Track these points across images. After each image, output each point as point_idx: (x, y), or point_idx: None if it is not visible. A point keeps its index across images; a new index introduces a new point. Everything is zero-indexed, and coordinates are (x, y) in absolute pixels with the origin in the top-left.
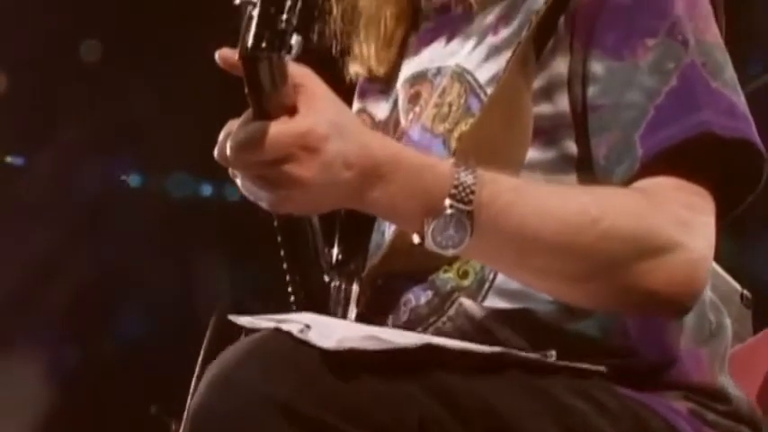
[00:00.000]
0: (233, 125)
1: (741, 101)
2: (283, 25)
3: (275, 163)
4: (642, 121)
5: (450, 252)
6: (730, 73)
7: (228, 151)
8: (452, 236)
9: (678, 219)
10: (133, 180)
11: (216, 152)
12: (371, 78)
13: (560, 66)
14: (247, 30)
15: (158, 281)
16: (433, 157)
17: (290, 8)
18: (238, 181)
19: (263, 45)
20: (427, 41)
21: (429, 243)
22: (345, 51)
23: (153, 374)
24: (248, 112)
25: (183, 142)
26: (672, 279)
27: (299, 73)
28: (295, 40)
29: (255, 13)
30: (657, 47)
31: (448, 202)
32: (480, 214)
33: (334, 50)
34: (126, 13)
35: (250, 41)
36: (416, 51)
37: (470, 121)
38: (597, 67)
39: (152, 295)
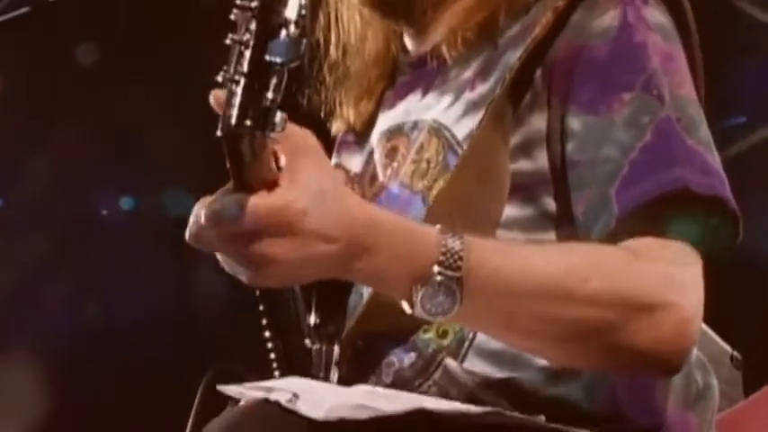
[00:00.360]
0: (206, 201)
1: (715, 159)
2: (268, 103)
3: (249, 238)
4: (617, 177)
5: (439, 319)
6: (705, 130)
7: (202, 220)
8: (442, 302)
9: (666, 277)
10: (126, 203)
11: (189, 228)
12: (347, 131)
13: (538, 122)
14: (230, 105)
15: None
16: (418, 224)
17: (276, 86)
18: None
19: (248, 123)
20: (403, 94)
21: (419, 311)
22: (331, 112)
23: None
24: (226, 187)
25: (176, 159)
26: (661, 338)
27: (289, 143)
28: (279, 117)
29: (239, 89)
30: (633, 101)
31: (436, 269)
32: (469, 280)
33: (322, 113)
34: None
35: (234, 119)
36: (392, 104)
37: (449, 177)
38: (574, 122)
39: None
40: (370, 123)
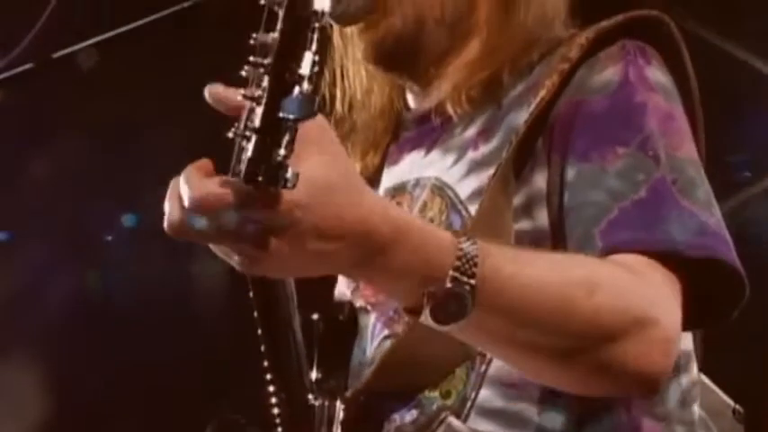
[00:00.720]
0: (183, 184)
1: (713, 219)
2: (280, 158)
3: (242, 226)
4: (603, 218)
5: (447, 327)
6: (704, 190)
7: (190, 207)
8: (453, 311)
9: (655, 296)
10: (128, 220)
11: (169, 216)
12: None
13: (539, 181)
14: (239, 160)
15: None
16: (433, 226)
17: (288, 143)
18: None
19: (259, 179)
20: (406, 151)
21: (426, 318)
22: None
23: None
24: (198, 163)
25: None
26: (650, 353)
27: (303, 129)
28: (291, 173)
29: (250, 145)
30: (628, 156)
31: (451, 274)
32: (482, 288)
33: None
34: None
35: (243, 174)
36: (396, 160)
37: None
38: (570, 173)
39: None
40: (376, 177)
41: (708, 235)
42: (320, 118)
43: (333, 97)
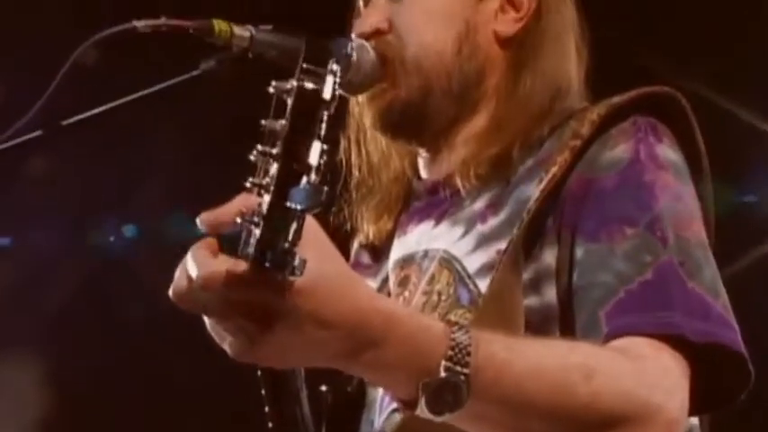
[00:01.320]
0: (195, 259)
1: (719, 301)
2: (287, 246)
3: (243, 308)
4: (610, 300)
5: (443, 418)
6: (710, 271)
7: (198, 281)
8: (448, 400)
9: (657, 380)
10: (129, 231)
11: (175, 284)
12: (362, 250)
13: (548, 257)
14: (247, 244)
15: None
16: (424, 316)
17: (296, 231)
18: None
19: (267, 265)
20: (416, 221)
21: (423, 410)
22: (355, 229)
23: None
24: (204, 241)
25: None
26: None
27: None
28: (299, 260)
29: (257, 230)
30: (635, 237)
31: (444, 364)
32: (477, 377)
33: (346, 227)
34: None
35: (251, 259)
36: (405, 231)
37: (460, 312)
38: (579, 252)
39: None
40: (387, 244)
41: (713, 319)
42: (315, 225)
43: (350, 161)
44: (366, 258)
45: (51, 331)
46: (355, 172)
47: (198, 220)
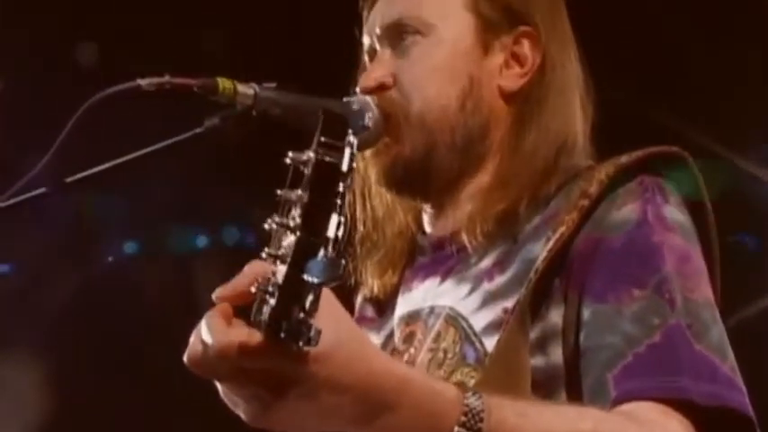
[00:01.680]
0: (210, 326)
1: (726, 363)
2: (302, 316)
3: (258, 376)
4: (618, 363)
5: None
6: (718, 333)
7: (212, 350)
8: None
9: None
10: (129, 247)
11: (190, 350)
12: (367, 304)
13: (555, 316)
14: (260, 312)
15: None
16: (437, 380)
17: (312, 303)
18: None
19: (282, 335)
20: (422, 277)
21: None
22: (359, 283)
23: None
24: (217, 308)
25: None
26: None
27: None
28: (314, 331)
29: (272, 300)
30: (643, 299)
31: (457, 430)
32: None
33: (350, 282)
34: None
35: (265, 328)
36: (410, 287)
37: (466, 370)
38: (586, 312)
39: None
40: (392, 299)
41: (720, 382)
42: (332, 304)
43: (354, 216)
44: (370, 312)
45: (51, 333)
46: (360, 226)
47: (214, 295)
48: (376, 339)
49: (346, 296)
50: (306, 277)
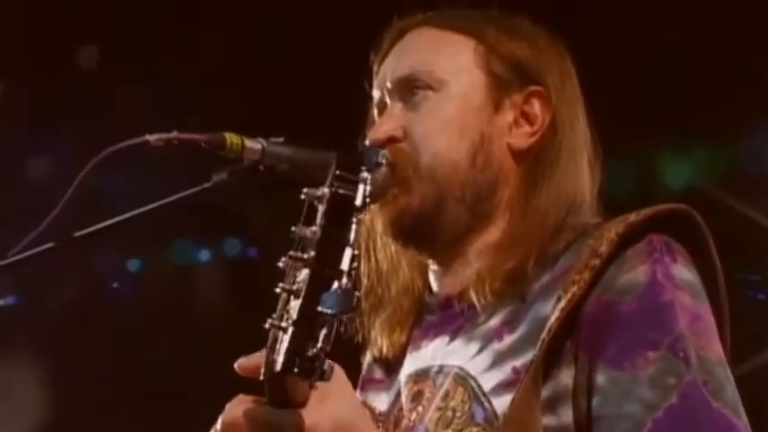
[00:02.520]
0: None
1: (741, 421)
2: (316, 351)
3: None
4: None
5: None
6: (732, 391)
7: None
8: None
9: None
10: (134, 265)
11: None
12: (375, 366)
13: (565, 378)
14: (274, 351)
15: None
16: None
17: (326, 337)
18: None
19: (295, 370)
20: (430, 336)
21: None
22: (365, 340)
23: None
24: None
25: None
26: None
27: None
28: (327, 366)
29: (286, 336)
30: (659, 361)
31: None
32: None
33: (356, 341)
34: None
35: (279, 365)
36: (419, 345)
37: (475, 430)
38: (600, 378)
39: None
40: (400, 357)
41: None
42: (342, 380)
43: (359, 270)
44: (379, 374)
45: (53, 335)
46: (364, 280)
47: (236, 366)
48: (385, 399)
49: (352, 355)
50: (321, 309)
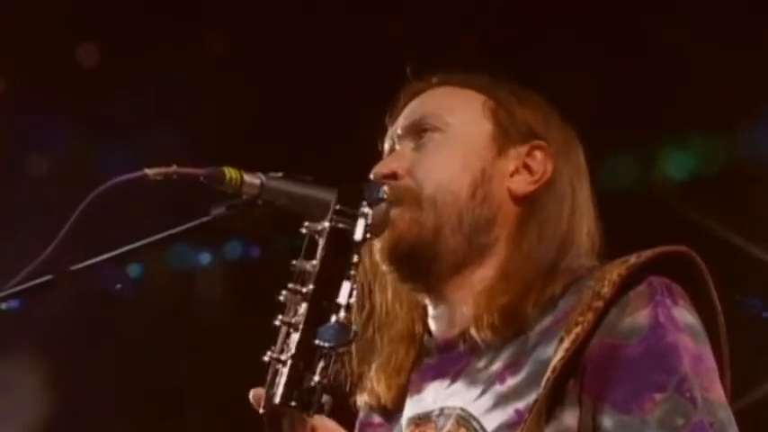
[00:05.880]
0: None
1: None
2: (313, 384)
3: None
4: None
5: None
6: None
7: None
8: None
9: None
10: (134, 270)
11: None
12: (373, 411)
13: (569, 418)
14: (273, 384)
15: None
16: None
17: (323, 369)
18: None
19: (293, 403)
20: (429, 379)
21: None
22: (355, 385)
23: None
24: None
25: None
26: None
27: (322, 427)
28: (325, 399)
29: (285, 369)
30: (665, 402)
31: None
32: None
33: (346, 387)
34: None
35: (278, 398)
36: (418, 389)
37: None
38: (608, 421)
39: None
40: (398, 401)
41: None
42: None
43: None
44: (377, 419)
45: (53, 335)
46: (359, 323)
47: (250, 395)
48: None
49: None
50: (318, 342)
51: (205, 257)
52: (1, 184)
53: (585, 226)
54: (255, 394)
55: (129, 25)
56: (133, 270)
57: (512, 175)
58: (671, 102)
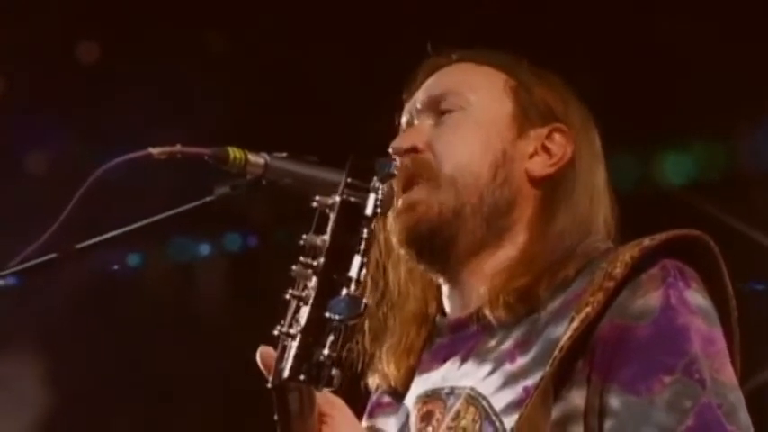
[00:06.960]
0: None
1: None
2: (323, 358)
3: None
4: None
5: None
6: (744, 415)
7: None
8: None
9: None
10: (133, 259)
11: None
12: (383, 392)
13: (576, 398)
14: (282, 358)
15: None
16: None
17: (333, 343)
18: None
19: (302, 377)
20: (441, 359)
21: None
22: (367, 366)
23: None
24: None
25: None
26: None
27: (329, 403)
28: (335, 373)
29: (294, 343)
30: (674, 384)
31: None
32: None
33: (357, 366)
34: None
35: (287, 371)
36: (429, 368)
37: None
38: (614, 401)
39: None
40: (408, 382)
41: None
42: (347, 415)
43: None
44: (387, 398)
45: (53, 331)
46: (372, 303)
47: (258, 352)
48: (394, 422)
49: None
50: (328, 315)
51: (204, 249)
52: (1, 184)
53: (602, 211)
54: (263, 352)
55: (129, 25)
56: (133, 260)
57: (531, 156)
58: (671, 105)
